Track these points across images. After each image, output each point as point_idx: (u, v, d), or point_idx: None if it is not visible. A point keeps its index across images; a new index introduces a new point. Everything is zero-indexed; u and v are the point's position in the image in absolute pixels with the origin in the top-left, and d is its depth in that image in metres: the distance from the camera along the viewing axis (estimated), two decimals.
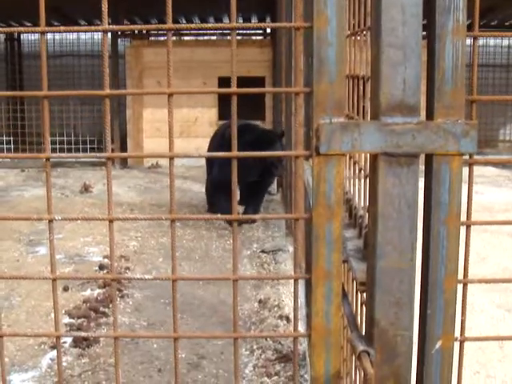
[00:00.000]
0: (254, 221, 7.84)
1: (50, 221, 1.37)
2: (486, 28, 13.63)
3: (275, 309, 5.00)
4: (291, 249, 6.44)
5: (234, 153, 1.34)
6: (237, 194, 1.42)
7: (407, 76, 1.27)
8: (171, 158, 1.35)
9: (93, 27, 1.33)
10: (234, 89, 1.31)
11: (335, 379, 1.39)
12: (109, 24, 1.32)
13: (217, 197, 7.90)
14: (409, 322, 1.34)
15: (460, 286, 1.41)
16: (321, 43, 1.27)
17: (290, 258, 6.29)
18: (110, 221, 1.36)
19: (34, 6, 1.28)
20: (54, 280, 1.41)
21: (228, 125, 8.14)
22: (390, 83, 1.27)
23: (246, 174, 7.19)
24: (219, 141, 7.86)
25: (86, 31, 1.38)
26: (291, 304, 4.78)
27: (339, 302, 1.37)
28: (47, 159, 1.35)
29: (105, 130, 1.35)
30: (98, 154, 1.40)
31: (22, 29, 1.33)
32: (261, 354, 4.23)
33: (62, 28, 1.30)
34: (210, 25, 1.33)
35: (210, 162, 8.31)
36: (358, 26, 1.87)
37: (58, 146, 12.77)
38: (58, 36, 15.42)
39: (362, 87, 1.82)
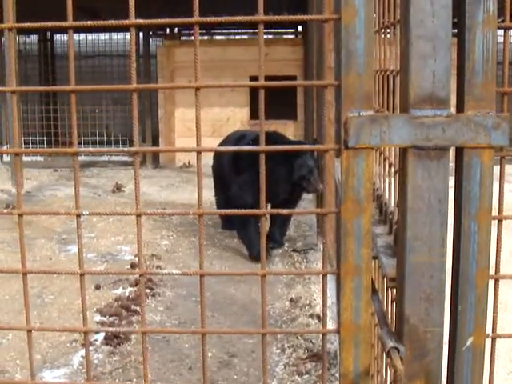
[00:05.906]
0: (281, 244, 6.99)
1: (78, 216, 1.37)
2: None
3: (306, 307, 4.99)
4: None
5: (262, 147, 1.33)
6: (264, 195, 1.39)
7: (437, 68, 1.25)
8: (199, 153, 1.34)
9: (120, 22, 1.33)
10: (262, 82, 1.30)
11: (364, 376, 1.37)
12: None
13: (243, 225, 6.72)
14: (439, 318, 1.31)
15: (492, 283, 1.39)
16: (349, 35, 1.26)
17: (321, 257, 6.23)
18: (138, 215, 1.36)
19: (66, 7, 1.27)
20: (81, 275, 1.41)
21: (240, 135, 7.43)
22: (420, 76, 1.25)
23: (275, 191, 6.21)
24: (233, 154, 6.72)
25: (113, 27, 1.37)
26: None
27: (368, 297, 1.35)
28: (75, 154, 1.35)
29: (133, 124, 1.35)
30: (125, 149, 1.40)
31: (49, 24, 1.33)
32: (292, 353, 4.22)
33: (89, 23, 1.30)
34: (237, 18, 1.32)
35: (221, 178, 7.31)
36: (388, 21, 1.85)
37: (90, 146, 12.87)
38: (90, 36, 15.52)
39: (391, 82, 1.80)
